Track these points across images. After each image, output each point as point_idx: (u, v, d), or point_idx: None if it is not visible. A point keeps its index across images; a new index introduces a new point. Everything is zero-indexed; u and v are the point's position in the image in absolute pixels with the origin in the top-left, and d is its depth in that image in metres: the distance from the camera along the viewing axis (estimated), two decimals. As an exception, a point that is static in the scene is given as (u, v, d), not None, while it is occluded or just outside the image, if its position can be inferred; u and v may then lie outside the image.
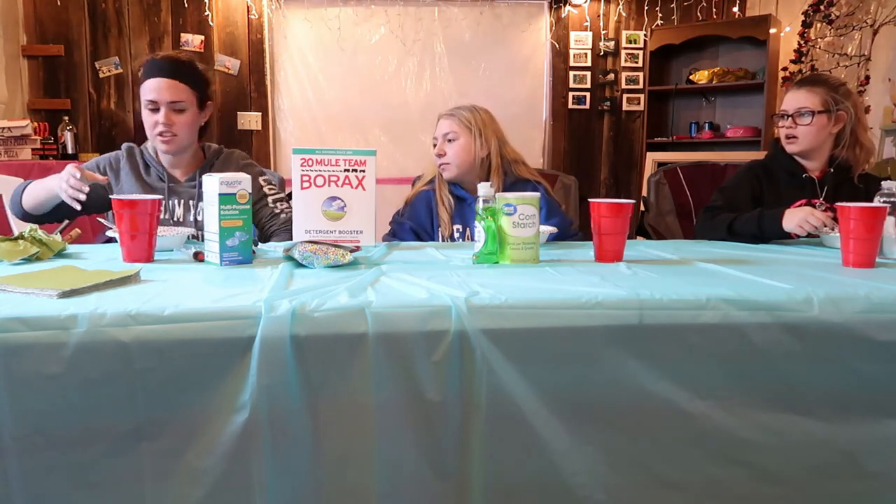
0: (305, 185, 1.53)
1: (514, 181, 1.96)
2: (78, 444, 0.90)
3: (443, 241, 1.93)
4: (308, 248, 1.27)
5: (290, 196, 2.04)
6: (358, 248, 1.40)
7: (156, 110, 1.77)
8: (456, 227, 1.93)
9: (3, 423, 0.88)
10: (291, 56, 4.76)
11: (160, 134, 1.78)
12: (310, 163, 1.52)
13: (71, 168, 1.56)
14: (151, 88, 1.77)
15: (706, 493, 1.02)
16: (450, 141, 1.94)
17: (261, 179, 1.94)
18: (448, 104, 4.78)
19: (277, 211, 1.91)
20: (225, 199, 1.28)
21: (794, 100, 1.94)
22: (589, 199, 1.42)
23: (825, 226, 1.65)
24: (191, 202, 1.86)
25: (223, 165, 1.90)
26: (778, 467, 1.03)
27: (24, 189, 1.77)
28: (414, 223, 1.96)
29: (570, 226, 1.99)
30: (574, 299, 1.00)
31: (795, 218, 1.69)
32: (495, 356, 0.95)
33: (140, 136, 1.87)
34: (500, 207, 1.36)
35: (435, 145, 1.97)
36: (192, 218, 1.85)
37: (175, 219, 1.84)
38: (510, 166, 1.98)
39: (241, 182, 1.30)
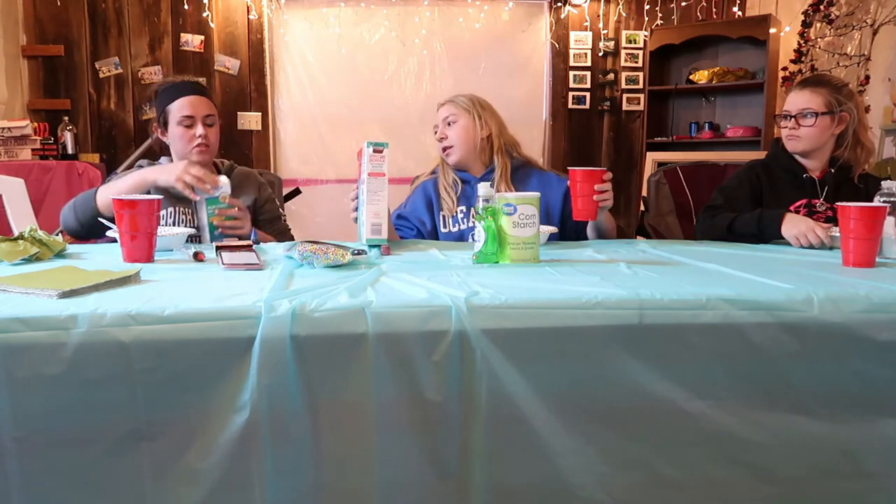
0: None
1: (520, 164, 2.00)
2: (78, 444, 0.90)
3: (445, 225, 1.95)
4: (308, 248, 1.27)
5: (290, 194, 2.11)
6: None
7: (191, 125, 1.89)
8: (460, 208, 1.94)
9: (3, 423, 0.88)
10: (291, 56, 4.76)
11: (197, 145, 1.89)
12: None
13: (188, 164, 1.74)
14: (187, 105, 1.89)
15: (706, 493, 1.02)
16: (450, 124, 1.97)
17: (277, 200, 2.12)
18: (448, 104, 4.82)
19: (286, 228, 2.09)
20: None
21: (797, 101, 1.92)
22: (568, 168, 1.63)
23: (824, 245, 1.62)
24: None
25: (242, 184, 2.01)
26: (778, 467, 1.03)
27: (96, 192, 1.77)
28: (413, 217, 1.99)
29: None
30: (574, 299, 1.00)
31: (795, 229, 1.68)
32: (495, 356, 0.95)
33: (140, 137, 1.88)
34: (500, 207, 1.36)
35: (436, 132, 1.99)
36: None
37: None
38: (513, 148, 2.02)
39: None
